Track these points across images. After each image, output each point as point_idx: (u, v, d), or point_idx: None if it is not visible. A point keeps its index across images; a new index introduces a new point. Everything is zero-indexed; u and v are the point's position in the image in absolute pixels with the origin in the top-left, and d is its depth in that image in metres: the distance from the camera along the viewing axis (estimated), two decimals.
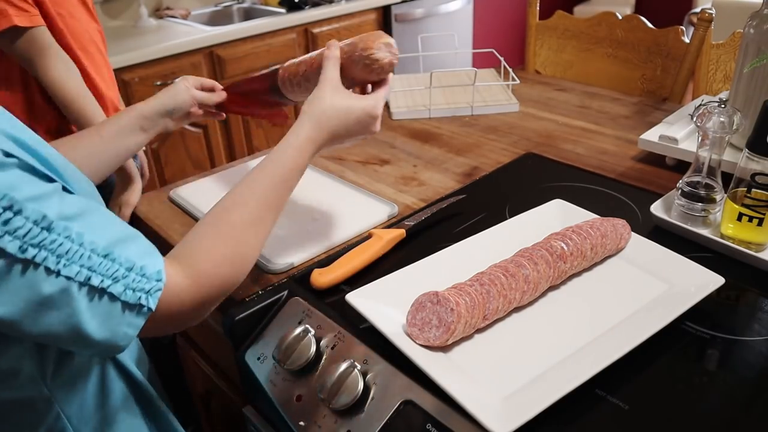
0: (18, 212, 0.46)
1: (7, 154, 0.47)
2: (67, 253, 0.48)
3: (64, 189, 0.52)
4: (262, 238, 0.64)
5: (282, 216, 0.94)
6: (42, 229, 0.47)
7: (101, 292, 0.51)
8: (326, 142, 0.70)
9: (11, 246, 0.45)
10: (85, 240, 0.50)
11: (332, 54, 0.73)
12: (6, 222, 0.45)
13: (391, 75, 0.76)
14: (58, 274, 0.48)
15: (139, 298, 0.52)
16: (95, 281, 0.50)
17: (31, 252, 0.46)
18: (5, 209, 0.45)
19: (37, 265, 0.47)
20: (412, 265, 0.74)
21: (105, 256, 0.51)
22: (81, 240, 0.50)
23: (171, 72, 2.13)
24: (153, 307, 0.53)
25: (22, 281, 0.47)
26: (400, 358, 0.62)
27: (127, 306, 0.52)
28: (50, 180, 0.51)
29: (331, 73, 0.72)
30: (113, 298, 0.51)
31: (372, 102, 0.73)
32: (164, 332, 0.59)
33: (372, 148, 1.21)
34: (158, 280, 0.54)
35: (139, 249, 0.54)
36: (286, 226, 0.92)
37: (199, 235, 0.61)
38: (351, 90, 0.76)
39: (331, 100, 0.70)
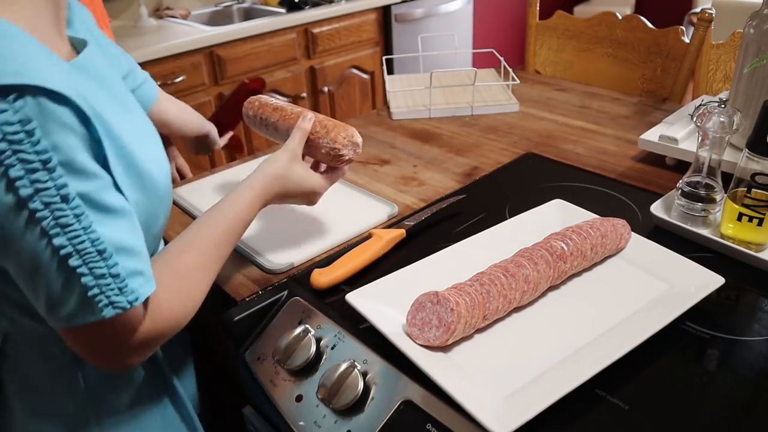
0: (49, 169, 0.49)
1: (84, 120, 0.52)
2: (65, 226, 0.51)
3: (119, 188, 0.57)
4: (208, 282, 0.67)
5: (282, 216, 0.94)
6: (58, 195, 0.50)
7: (72, 273, 0.52)
8: (272, 201, 0.76)
9: (24, 191, 0.49)
10: (92, 229, 0.52)
11: (304, 126, 0.79)
12: (33, 170, 0.49)
13: (347, 166, 0.83)
14: (49, 239, 0.51)
15: (99, 301, 0.53)
16: (73, 262, 0.51)
17: (37, 205, 0.49)
18: (40, 161, 0.49)
19: (36, 220, 0.50)
20: (412, 265, 0.74)
21: (99, 252, 0.53)
22: (87, 225, 0.52)
23: (171, 72, 2.13)
24: (107, 316, 0.54)
25: (19, 224, 0.50)
26: (400, 358, 0.62)
27: (84, 300, 0.53)
28: (107, 170, 0.55)
29: (295, 144, 0.78)
30: (80, 286, 0.52)
31: (322, 182, 0.80)
32: (100, 357, 0.59)
33: (372, 148, 1.21)
34: (130, 302, 0.54)
35: (136, 268, 0.56)
36: (286, 226, 0.92)
37: (157, 271, 0.61)
38: (306, 158, 0.82)
39: (288, 167, 0.76)
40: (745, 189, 0.75)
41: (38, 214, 0.50)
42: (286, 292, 0.77)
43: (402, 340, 0.63)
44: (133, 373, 0.73)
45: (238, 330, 0.75)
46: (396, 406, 0.61)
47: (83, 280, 0.52)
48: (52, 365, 0.67)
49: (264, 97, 0.90)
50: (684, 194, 0.83)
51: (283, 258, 0.84)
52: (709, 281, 0.69)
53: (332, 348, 0.69)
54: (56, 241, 0.51)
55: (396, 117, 1.37)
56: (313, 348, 0.69)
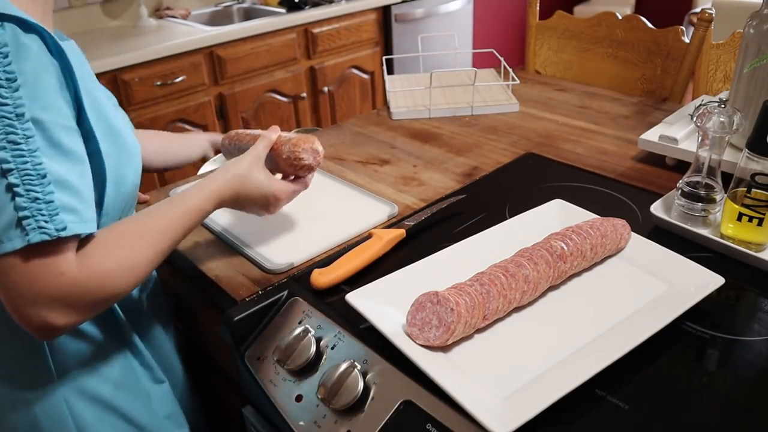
0: (11, 87, 0.54)
1: (59, 57, 0.59)
2: (13, 143, 0.54)
3: (90, 134, 0.63)
4: (149, 257, 0.65)
5: (282, 216, 0.94)
6: (14, 112, 0.54)
7: (8, 190, 0.54)
8: (228, 201, 0.76)
9: None
10: (38, 154, 0.55)
11: (268, 136, 0.82)
12: None
13: (310, 176, 0.85)
14: None
15: (28, 224, 0.54)
16: (12, 179, 0.54)
17: None
18: (6, 79, 0.54)
19: None
20: (412, 265, 0.74)
21: (39, 176, 0.55)
22: (34, 149, 0.55)
23: (171, 72, 2.13)
24: (31, 240, 0.54)
25: None
26: (400, 358, 0.62)
27: (13, 221, 0.54)
28: (79, 108, 0.61)
29: (260, 149, 0.80)
30: (12, 205, 0.54)
31: (282, 188, 0.80)
32: (20, 300, 0.56)
33: (372, 148, 1.21)
34: (57, 230, 0.55)
35: (73, 205, 0.57)
36: (286, 226, 0.92)
37: (99, 231, 0.62)
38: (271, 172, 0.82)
39: (248, 168, 0.77)
40: (745, 189, 0.75)
41: None
42: (286, 292, 0.77)
43: (402, 340, 0.63)
44: (91, 325, 0.73)
45: (238, 330, 0.75)
46: (396, 406, 0.61)
47: (18, 200, 0.54)
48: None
49: (242, 131, 0.94)
50: (684, 194, 0.83)
51: (283, 258, 0.84)
52: (709, 281, 0.69)
53: (332, 348, 0.69)
54: (1, 154, 0.53)
55: (396, 117, 1.37)
56: (313, 348, 0.69)
